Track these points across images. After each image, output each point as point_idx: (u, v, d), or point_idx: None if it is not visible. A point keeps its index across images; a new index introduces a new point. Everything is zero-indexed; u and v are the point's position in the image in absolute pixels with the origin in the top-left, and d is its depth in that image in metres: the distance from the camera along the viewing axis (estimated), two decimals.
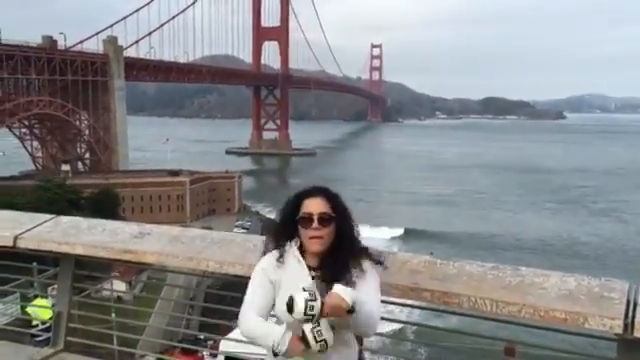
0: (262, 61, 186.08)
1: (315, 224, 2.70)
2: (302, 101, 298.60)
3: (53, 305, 6.69)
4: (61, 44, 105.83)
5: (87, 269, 5.07)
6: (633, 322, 2.87)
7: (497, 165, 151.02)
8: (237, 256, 3.81)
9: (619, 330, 2.89)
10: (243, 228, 78.15)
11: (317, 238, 2.70)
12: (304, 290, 2.48)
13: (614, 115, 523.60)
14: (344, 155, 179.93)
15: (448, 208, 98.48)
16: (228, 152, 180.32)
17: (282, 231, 2.80)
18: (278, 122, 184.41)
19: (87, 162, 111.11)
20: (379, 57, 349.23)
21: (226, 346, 8.47)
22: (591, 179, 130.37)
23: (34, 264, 6.74)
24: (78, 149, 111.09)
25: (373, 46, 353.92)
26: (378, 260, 2.86)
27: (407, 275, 3.45)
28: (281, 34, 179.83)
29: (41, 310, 7.17)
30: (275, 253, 2.81)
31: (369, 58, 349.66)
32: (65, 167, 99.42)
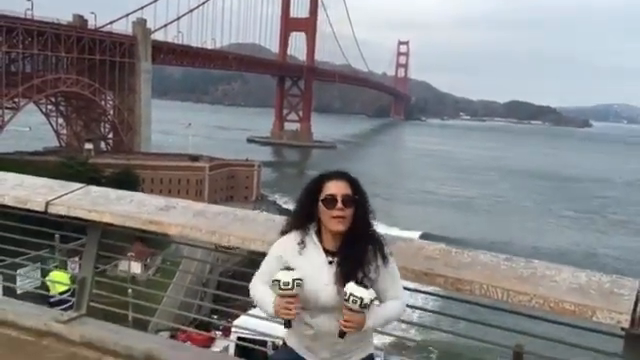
0: (288, 52, 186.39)
1: (339, 204, 2.78)
2: (326, 93, 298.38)
3: (71, 277, 6.92)
4: (91, 24, 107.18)
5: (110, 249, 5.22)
6: None
7: (518, 170, 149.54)
8: (259, 233, 3.95)
9: (626, 324, 2.97)
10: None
11: (340, 218, 2.79)
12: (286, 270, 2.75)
13: None
14: (365, 150, 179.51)
15: (466, 211, 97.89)
16: (249, 140, 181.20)
17: (303, 211, 2.90)
18: (300, 113, 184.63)
19: (110, 142, 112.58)
20: (406, 54, 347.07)
21: (239, 328, 8.64)
22: (612, 189, 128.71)
23: (56, 236, 6.97)
24: (102, 129, 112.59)
25: (400, 43, 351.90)
26: (387, 253, 2.90)
27: (422, 260, 3.56)
28: (309, 25, 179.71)
29: (59, 283, 7.40)
30: (296, 236, 2.90)
31: (396, 55, 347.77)
32: (88, 145, 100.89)
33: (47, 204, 4.59)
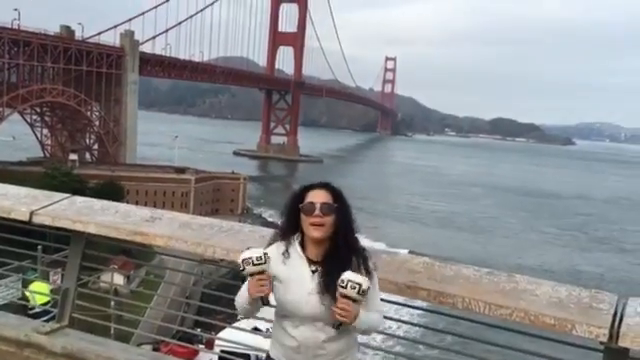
0: (276, 66, 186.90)
1: (317, 212, 2.82)
2: (313, 108, 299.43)
3: (51, 290, 6.85)
4: (78, 35, 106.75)
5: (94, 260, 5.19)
6: (618, 332, 2.99)
7: (502, 186, 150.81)
8: (243, 245, 3.95)
9: (604, 338, 3.01)
10: None
11: (318, 225, 2.82)
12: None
13: (623, 145, 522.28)
14: (351, 165, 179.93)
15: (450, 227, 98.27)
16: (236, 153, 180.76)
17: (288, 222, 2.93)
18: (287, 127, 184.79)
19: (95, 153, 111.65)
20: (393, 70, 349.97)
21: (222, 340, 8.60)
22: (593, 207, 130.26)
23: (39, 247, 6.90)
24: (87, 139, 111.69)
25: (388, 59, 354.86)
26: (370, 267, 2.90)
27: (406, 274, 3.59)
28: (297, 40, 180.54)
29: (39, 295, 7.33)
30: (281, 245, 2.93)
31: (383, 70, 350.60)
32: (73, 156, 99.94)
33: (31, 214, 4.57)
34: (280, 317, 2.94)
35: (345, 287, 2.65)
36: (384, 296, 3.17)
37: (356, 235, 2.93)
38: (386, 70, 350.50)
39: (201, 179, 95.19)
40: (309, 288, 2.81)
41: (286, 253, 2.89)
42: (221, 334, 9.02)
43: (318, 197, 2.87)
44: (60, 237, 4.99)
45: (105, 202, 4.78)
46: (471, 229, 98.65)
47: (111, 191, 76.61)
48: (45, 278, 7.92)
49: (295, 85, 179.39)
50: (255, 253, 2.76)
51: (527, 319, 3.18)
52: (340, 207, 2.89)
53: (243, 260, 2.75)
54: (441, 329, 4.24)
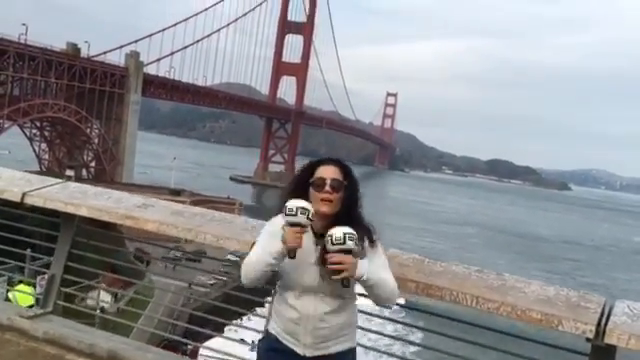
0: (278, 94, 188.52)
1: (327, 187, 2.87)
2: (312, 138, 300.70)
3: (39, 294, 6.79)
4: (84, 52, 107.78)
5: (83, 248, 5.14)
6: (605, 329, 2.99)
7: (494, 226, 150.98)
8: (235, 233, 3.96)
9: (590, 335, 3.00)
10: (236, 256, 77.72)
11: (327, 201, 2.86)
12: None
13: (618, 193, 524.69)
14: None
15: None
16: (232, 179, 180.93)
17: (295, 195, 2.93)
18: (286, 156, 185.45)
19: (92, 170, 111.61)
20: (393, 105, 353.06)
21: (207, 350, 8.49)
22: (582, 252, 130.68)
23: (28, 250, 6.84)
24: (85, 156, 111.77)
25: (389, 94, 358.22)
26: (374, 238, 2.97)
27: (395, 267, 3.57)
28: (300, 71, 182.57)
29: (22, 296, 7.25)
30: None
31: (383, 105, 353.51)
32: (69, 172, 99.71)
33: (24, 195, 4.56)
34: (283, 289, 2.95)
35: (332, 242, 2.69)
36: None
37: (360, 210, 2.97)
38: (387, 105, 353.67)
39: (197, 202, 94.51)
40: (312, 259, 2.84)
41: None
42: (207, 343, 8.91)
43: (328, 173, 2.92)
44: (51, 237, 4.96)
45: (99, 188, 4.79)
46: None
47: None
48: (32, 281, 7.86)
49: (296, 114, 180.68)
50: (301, 203, 2.76)
51: (514, 314, 3.17)
52: (349, 184, 2.94)
53: (289, 208, 2.74)
54: (427, 328, 4.24)
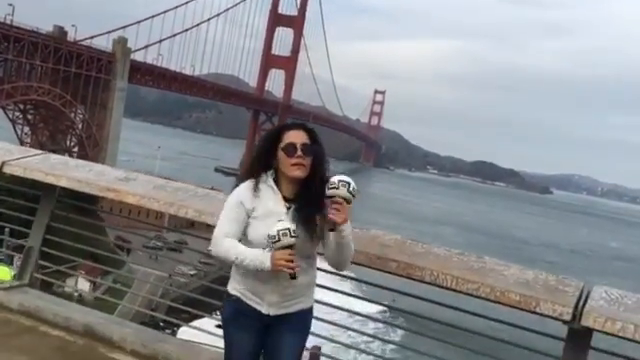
0: (266, 87, 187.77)
1: (299, 152, 2.88)
2: None
3: (14, 274, 6.69)
4: (71, 36, 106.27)
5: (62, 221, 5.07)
6: (582, 312, 3.02)
7: (474, 227, 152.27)
8: (217, 208, 3.91)
9: (568, 317, 3.03)
10: None
11: (300, 165, 2.88)
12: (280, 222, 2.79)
13: (599, 199, 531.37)
14: None
15: None
16: (218, 170, 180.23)
17: (261, 160, 2.97)
18: None
19: (74, 155, 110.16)
20: (381, 103, 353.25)
21: (183, 334, 8.41)
22: (559, 256, 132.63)
23: (6, 229, 6.73)
24: (68, 141, 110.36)
25: (377, 92, 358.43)
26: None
27: (377, 247, 3.59)
28: (289, 64, 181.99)
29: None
30: (251, 184, 2.95)
31: (371, 102, 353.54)
32: None
33: (3, 164, 4.49)
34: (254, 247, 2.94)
35: (337, 187, 2.74)
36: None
37: (328, 174, 2.97)
38: (374, 103, 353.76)
39: None
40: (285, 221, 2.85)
41: (257, 189, 2.92)
42: (181, 330, 8.86)
43: (298, 138, 2.94)
44: (29, 222, 4.88)
45: (80, 161, 4.73)
46: None
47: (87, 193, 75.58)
48: (9, 262, 7.74)
49: (283, 108, 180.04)
50: (277, 226, 2.75)
51: (493, 295, 3.19)
52: (317, 148, 2.97)
53: (279, 231, 2.72)
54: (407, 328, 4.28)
